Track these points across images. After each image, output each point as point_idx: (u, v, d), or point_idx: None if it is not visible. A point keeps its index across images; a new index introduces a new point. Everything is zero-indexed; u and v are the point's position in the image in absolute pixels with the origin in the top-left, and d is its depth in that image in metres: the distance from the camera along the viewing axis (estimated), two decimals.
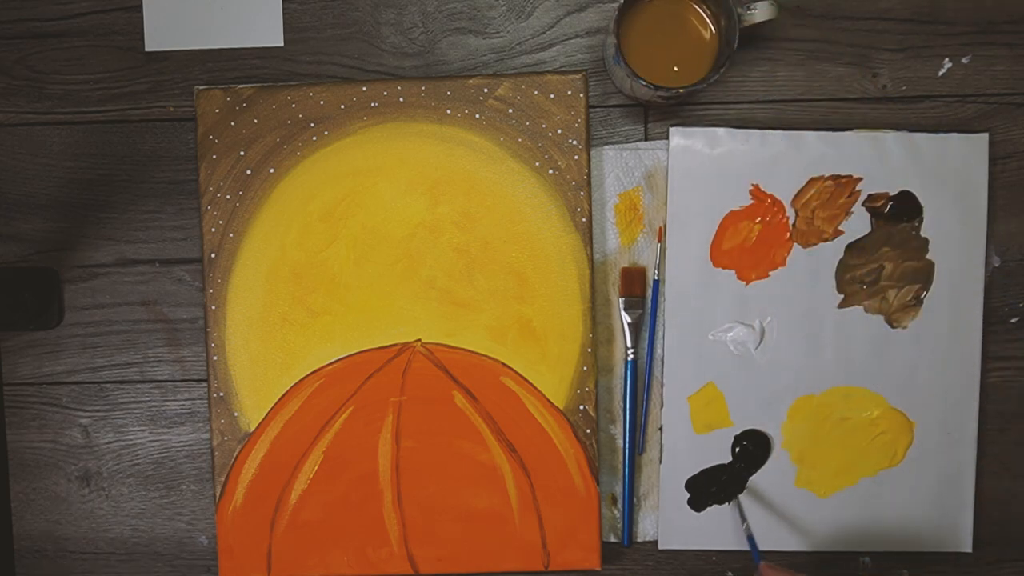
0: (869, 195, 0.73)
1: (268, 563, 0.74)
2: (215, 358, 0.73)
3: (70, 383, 0.77)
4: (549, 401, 0.73)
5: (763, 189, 0.73)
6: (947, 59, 0.74)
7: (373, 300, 0.73)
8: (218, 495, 0.74)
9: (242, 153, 0.73)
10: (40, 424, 0.77)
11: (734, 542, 0.74)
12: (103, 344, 0.76)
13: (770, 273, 0.74)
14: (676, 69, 0.70)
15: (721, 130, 0.73)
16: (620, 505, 0.75)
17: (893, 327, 0.74)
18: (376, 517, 0.73)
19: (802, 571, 0.75)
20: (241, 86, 0.73)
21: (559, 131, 0.72)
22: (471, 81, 0.73)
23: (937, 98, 0.74)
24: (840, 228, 0.73)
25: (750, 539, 0.71)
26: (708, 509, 0.74)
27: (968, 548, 0.74)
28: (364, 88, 0.73)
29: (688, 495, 0.74)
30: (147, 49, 0.75)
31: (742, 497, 0.74)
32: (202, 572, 0.77)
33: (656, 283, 0.74)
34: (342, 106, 0.73)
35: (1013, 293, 0.75)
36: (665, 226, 0.74)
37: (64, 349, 0.76)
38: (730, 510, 0.74)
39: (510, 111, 0.73)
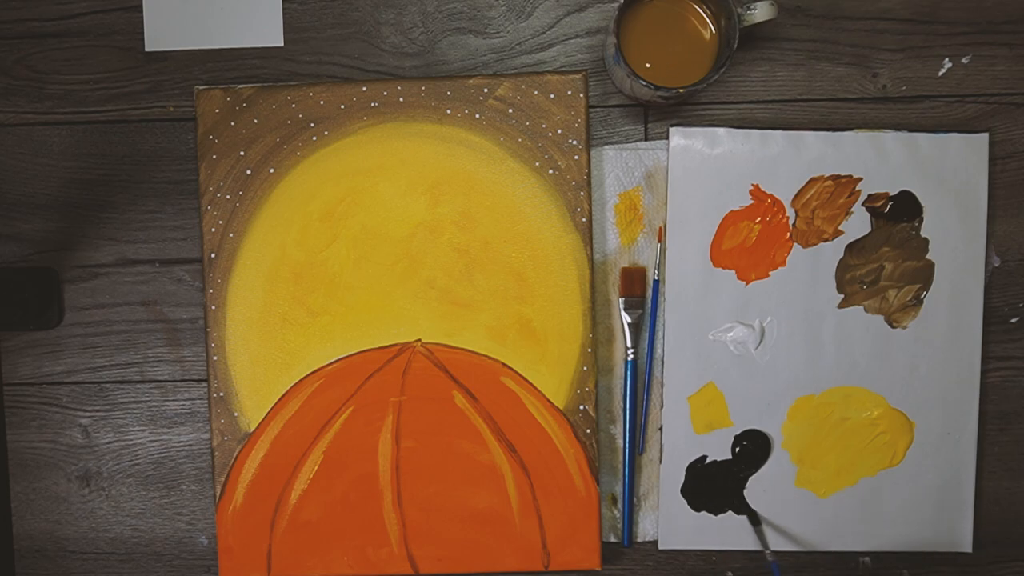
0: (869, 195, 0.73)
1: (268, 563, 0.74)
2: (215, 358, 0.73)
3: (70, 383, 0.77)
4: (549, 401, 0.73)
5: (763, 189, 0.73)
6: (947, 59, 0.74)
7: (373, 300, 0.73)
8: (218, 495, 0.74)
9: (242, 153, 0.73)
10: (40, 424, 0.77)
11: (734, 542, 0.74)
12: (103, 344, 0.76)
13: (770, 273, 0.73)
14: (675, 69, 0.70)
15: (721, 130, 0.73)
16: (620, 505, 0.75)
17: (893, 327, 0.74)
18: (376, 517, 0.73)
19: (802, 572, 0.75)
20: (241, 86, 0.73)
21: (559, 131, 0.72)
22: (471, 81, 0.73)
23: (937, 98, 0.74)
24: (840, 228, 0.73)
25: (774, 566, 0.70)
26: (706, 510, 0.74)
27: (968, 548, 0.74)
28: (364, 88, 0.73)
29: (685, 494, 0.74)
30: (147, 49, 0.75)
31: (760, 521, 0.74)
32: (202, 572, 0.77)
33: (656, 283, 0.74)
34: (342, 106, 0.73)
35: (1013, 293, 0.74)
36: (665, 226, 0.74)
37: (64, 349, 0.76)
38: (754, 537, 0.74)
39: (510, 111, 0.73)
